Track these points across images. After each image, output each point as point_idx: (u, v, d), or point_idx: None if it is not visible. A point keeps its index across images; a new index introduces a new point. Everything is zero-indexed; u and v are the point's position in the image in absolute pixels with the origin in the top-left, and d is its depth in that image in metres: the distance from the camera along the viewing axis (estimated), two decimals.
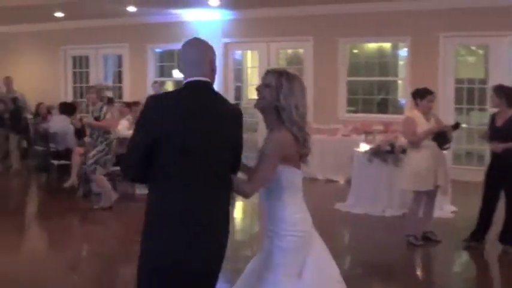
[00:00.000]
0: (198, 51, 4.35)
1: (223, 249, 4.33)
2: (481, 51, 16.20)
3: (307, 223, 4.68)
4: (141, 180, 4.64)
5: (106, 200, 12.25)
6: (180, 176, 4.05)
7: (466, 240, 9.28)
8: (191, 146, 4.04)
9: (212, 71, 4.33)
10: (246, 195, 4.58)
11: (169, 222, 4.04)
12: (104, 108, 12.12)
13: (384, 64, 17.28)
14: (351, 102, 16.99)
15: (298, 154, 4.62)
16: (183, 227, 4.03)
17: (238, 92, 19.24)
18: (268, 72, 4.69)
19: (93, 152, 11.99)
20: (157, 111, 4.08)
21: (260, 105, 4.61)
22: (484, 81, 15.18)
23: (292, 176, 4.59)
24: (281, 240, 4.56)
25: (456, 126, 9.64)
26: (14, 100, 17.31)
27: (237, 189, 4.48)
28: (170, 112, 4.05)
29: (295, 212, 4.60)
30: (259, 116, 17.64)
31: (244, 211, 13.30)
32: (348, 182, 13.25)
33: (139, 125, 4.17)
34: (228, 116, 4.36)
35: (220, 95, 4.42)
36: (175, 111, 4.07)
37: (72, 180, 14.16)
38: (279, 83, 4.58)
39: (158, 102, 4.19)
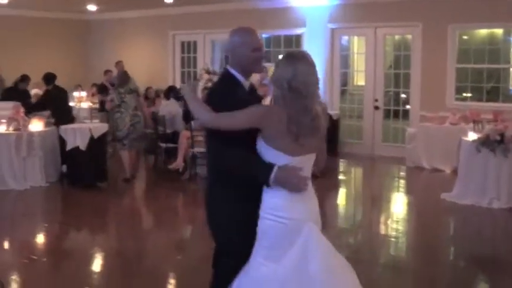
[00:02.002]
0: None
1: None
2: None
3: (297, 211, 4.56)
4: None
5: None
6: None
7: None
8: None
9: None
10: (202, 121, 4.72)
11: None
12: None
13: (495, 51, 16.82)
14: (459, 89, 16.74)
15: (293, 139, 4.48)
16: None
17: (345, 78, 19.20)
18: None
19: None
20: None
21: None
22: None
23: (274, 160, 4.50)
24: (260, 222, 4.60)
25: None
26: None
27: (197, 113, 4.62)
28: None
29: (276, 196, 4.53)
30: (364, 101, 17.88)
31: (347, 197, 13.52)
32: (455, 171, 13.10)
33: None
34: None
35: None
36: None
37: (178, 163, 14.44)
38: (277, 64, 4.65)
39: None
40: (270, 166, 4.47)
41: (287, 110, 4.47)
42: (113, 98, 14.64)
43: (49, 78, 15.30)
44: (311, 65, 4.64)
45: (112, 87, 16.08)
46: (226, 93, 4.76)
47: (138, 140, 14.53)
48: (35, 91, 17.67)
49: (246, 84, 4.92)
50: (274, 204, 4.57)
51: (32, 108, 15.33)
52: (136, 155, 15.12)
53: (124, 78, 14.59)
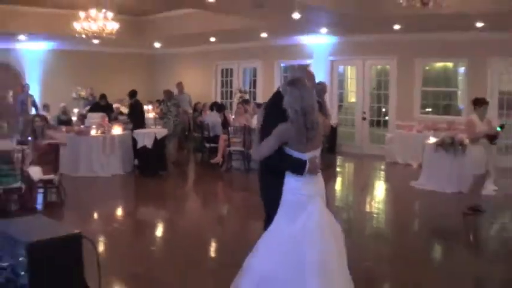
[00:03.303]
0: None
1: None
2: None
3: (309, 189, 4.77)
4: None
5: None
6: None
7: None
8: None
9: None
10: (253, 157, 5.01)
11: None
12: None
13: (448, 78, 17.00)
14: (423, 105, 16.72)
15: (304, 141, 4.69)
16: None
17: (341, 96, 19.14)
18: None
19: None
20: None
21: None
22: None
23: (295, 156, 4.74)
24: (284, 197, 4.82)
25: (502, 126, 9.66)
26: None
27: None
28: None
29: (298, 180, 4.75)
30: (355, 113, 17.86)
31: (342, 184, 13.52)
32: (420, 165, 13.04)
33: None
34: None
35: None
36: None
37: (218, 158, 14.57)
38: (283, 90, 4.85)
39: None
40: (303, 162, 4.71)
41: (298, 125, 4.64)
42: (161, 108, 15.94)
43: (133, 93, 15.74)
44: (310, 89, 4.86)
45: (162, 102, 16.62)
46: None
47: (177, 136, 15.68)
48: (116, 105, 17.82)
49: None
50: (294, 186, 4.77)
51: (118, 116, 16.14)
52: (178, 146, 16.60)
53: (168, 95, 15.99)
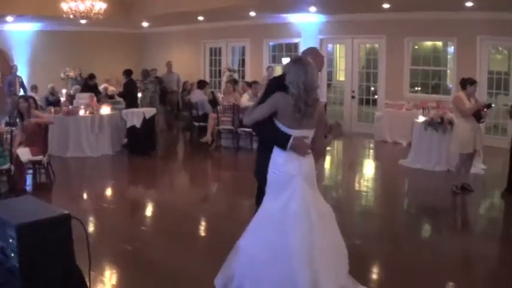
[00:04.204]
0: None
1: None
2: (505, 51, 15.86)
3: (291, 168, 4.68)
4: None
5: None
6: None
7: (502, 196, 9.26)
8: None
9: None
10: (244, 121, 5.03)
11: None
12: None
13: (437, 57, 16.93)
14: (412, 85, 16.74)
15: (298, 117, 4.63)
16: None
17: (330, 75, 19.10)
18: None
19: None
20: None
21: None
22: (507, 73, 14.94)
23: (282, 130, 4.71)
24: (268, 175, 4.79)
25: (489, 105, 9.69)
26: (160, 81, 17.80)
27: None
28: None
29: (279, 156, 4.73)
30: (344, 92, 17.88)
31: (331, 163, 13.56)
32: (409, 144, 13.07)
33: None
34: None
35: None
36: None
37: (208, 137, 14.58)
38: (287, 67, 4.74)
39: None
40: (287, 137, 4.65)
41: (298, 100, 4.57)
42: (139, 86, 16.51)
43: (128, 72, 15.77)
44: (314, 67, 4.76)
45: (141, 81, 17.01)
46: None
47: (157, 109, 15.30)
48: (104, 85, 17.76)
49: None
50: (277, 162, 4.73)
51: (112, 97, 16.16)
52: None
53: (144, 74, 16.89)
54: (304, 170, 4.74)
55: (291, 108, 4.60)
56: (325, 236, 4.68)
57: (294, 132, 4.66)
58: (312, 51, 5.55)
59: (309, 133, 4.78)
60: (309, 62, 4.74)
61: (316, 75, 4.80)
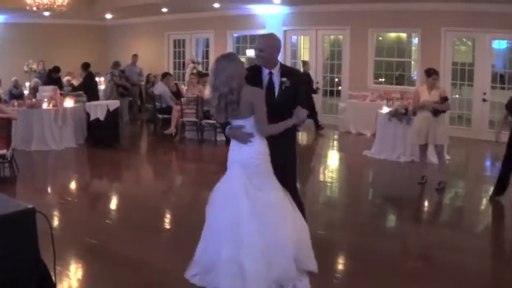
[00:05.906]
0: None
1: None
2: (469, 43, 16.06)
3: (232, 155, 5.02)
4: None
5: None
6: None
7: (491, 197, 8.70)
8: None
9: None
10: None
11: None
12: None
13: (402, 48, 17.06)
14: (376, 76, 16.86)
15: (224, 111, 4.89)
16: None
17: (294, 66, 19.06)
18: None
19: None
20: None
21: None
22: (471, 65, 15.09)
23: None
24: None
25: (445, 99, 9.57)
26: (123, 72, 17.84)
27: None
28: None
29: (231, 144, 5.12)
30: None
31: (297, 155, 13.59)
32: (373, 135, 13.22)
33: None
34: None
35: None
36: None
37: (172, 129, 14.63)
38: (224, 65, 4.79)
39: None
40: (226, 125, 5.03)
41: (225, 95, 4.78)
42: (106, 77, 16.90)
43: (86, 65, 15.79)
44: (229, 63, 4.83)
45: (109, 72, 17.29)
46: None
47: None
48: (67, 78, 17.61)
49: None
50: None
51: (75, 89, 16.06)
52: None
53: (113, 65, 17.37)
54: (240, 156, 4.94)
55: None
56: (258, 224, 4.78)
57: (233, 123, 4.94)
58: (268, 36, 5.62)
59: (244, 122, 4.89)
60: (229, 58, 4.88)
61: (232, 69, 4.79)
